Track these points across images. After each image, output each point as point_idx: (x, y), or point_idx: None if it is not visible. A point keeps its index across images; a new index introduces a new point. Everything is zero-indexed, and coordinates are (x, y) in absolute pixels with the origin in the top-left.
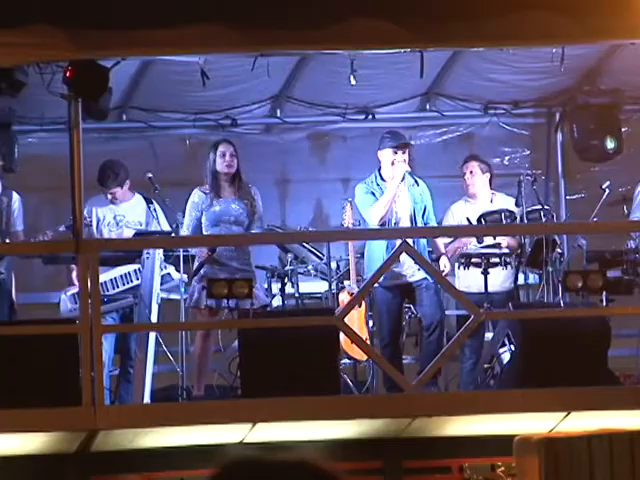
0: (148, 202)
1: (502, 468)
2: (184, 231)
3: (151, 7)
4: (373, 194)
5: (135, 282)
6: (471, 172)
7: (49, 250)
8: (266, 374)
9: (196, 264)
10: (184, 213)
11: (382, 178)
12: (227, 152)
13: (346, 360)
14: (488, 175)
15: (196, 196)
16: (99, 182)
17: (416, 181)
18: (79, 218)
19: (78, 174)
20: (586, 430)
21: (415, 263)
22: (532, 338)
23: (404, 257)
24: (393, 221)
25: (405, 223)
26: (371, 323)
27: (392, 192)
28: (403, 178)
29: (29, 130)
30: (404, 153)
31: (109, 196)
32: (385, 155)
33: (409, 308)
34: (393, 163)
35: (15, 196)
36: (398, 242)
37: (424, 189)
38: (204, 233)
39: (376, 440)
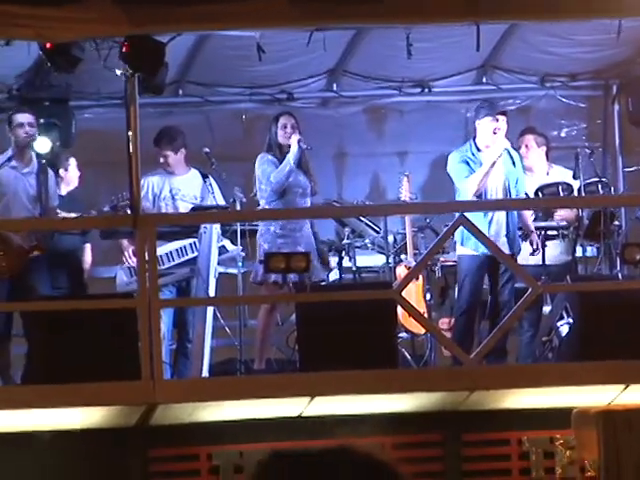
0: (204, 177)
1: (561, 441)
2: (271, 182)
3: None
4: (467, 164)
5: (190, 255)
6: (527, 146)
7: (108, 225)
8: (324, 348)
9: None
10: (241, 187)
11: (477, 148)
12: (288, 124)
13: (404, 334)
14: (544, 148)
15: (269, 156)
16: (154, 143)
17: (509, 153)
18: (136, 193)
19: (135, 149)
20: None
21: (472, 235)
22: (590, 311)
23: (495, 230)
24: (489, 192)
25: (499, 194)
26: (428, 296)
27: (490, 164)
28: (500, 154)
29: (86, 105)
30: (504, 120)
31: (161, 159)
32: (484, 124)
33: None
34: (495, 132)
35: (50, 172)
36: (495, 214)
37: (517, 160)
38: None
39: (435, 413)
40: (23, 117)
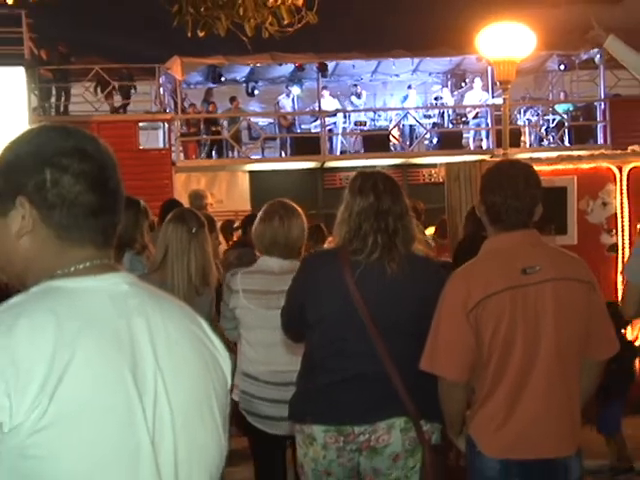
0: (333, 98)
1: (434, 171)
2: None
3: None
4: (405, 99)
5: (333, 120)
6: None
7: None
8: (371, 144)
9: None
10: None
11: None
12: (360, 87)
13: (391, 144)
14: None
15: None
16: (323, 89)
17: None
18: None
19: (319, 92)
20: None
21: (417, 121)
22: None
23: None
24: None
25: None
26: (398, 134)
27: (411, 98)
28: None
29: (303, 82)
30: (414, 90)
31: (322, 94)
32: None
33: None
34: (410, 87)
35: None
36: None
37: (419, 97)
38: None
39: (398, 164)
40: (291, 85)
